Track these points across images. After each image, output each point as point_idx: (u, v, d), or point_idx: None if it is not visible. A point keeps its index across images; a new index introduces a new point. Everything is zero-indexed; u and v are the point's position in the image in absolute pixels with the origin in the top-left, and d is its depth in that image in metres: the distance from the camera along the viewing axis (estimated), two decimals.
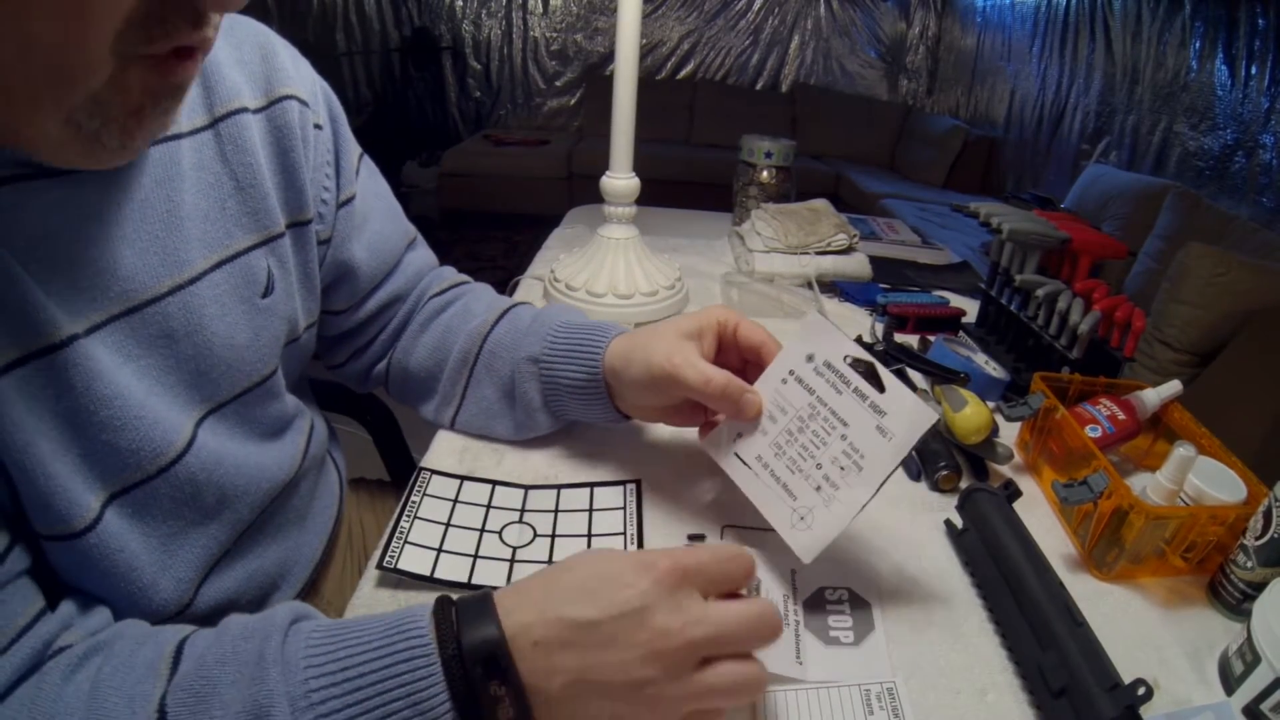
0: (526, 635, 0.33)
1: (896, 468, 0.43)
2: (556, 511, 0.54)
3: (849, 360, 0.46)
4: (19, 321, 0.34)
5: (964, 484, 0.60)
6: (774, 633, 0.36)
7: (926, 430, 0.42)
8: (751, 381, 0.50)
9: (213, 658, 0.33)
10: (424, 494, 0.54)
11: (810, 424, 0.46)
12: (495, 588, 0.37)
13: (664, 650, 0.33)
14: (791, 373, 0.48)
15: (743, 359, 0.53)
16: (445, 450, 0.60)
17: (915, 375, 0.76)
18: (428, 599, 0.36)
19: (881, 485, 0.43)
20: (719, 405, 0.49)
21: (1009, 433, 0.66)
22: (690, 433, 0.56)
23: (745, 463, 0.49)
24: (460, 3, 4.22)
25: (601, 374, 0.54)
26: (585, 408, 0.57)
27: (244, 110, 0.46)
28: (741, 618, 0.35)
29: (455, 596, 0.36)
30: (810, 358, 0.47)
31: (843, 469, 0.44)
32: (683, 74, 4.43)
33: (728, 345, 0.53)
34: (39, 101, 0.30)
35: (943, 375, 0.74)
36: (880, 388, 0.44)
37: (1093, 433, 0.59)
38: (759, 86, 4.46)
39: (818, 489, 0.45)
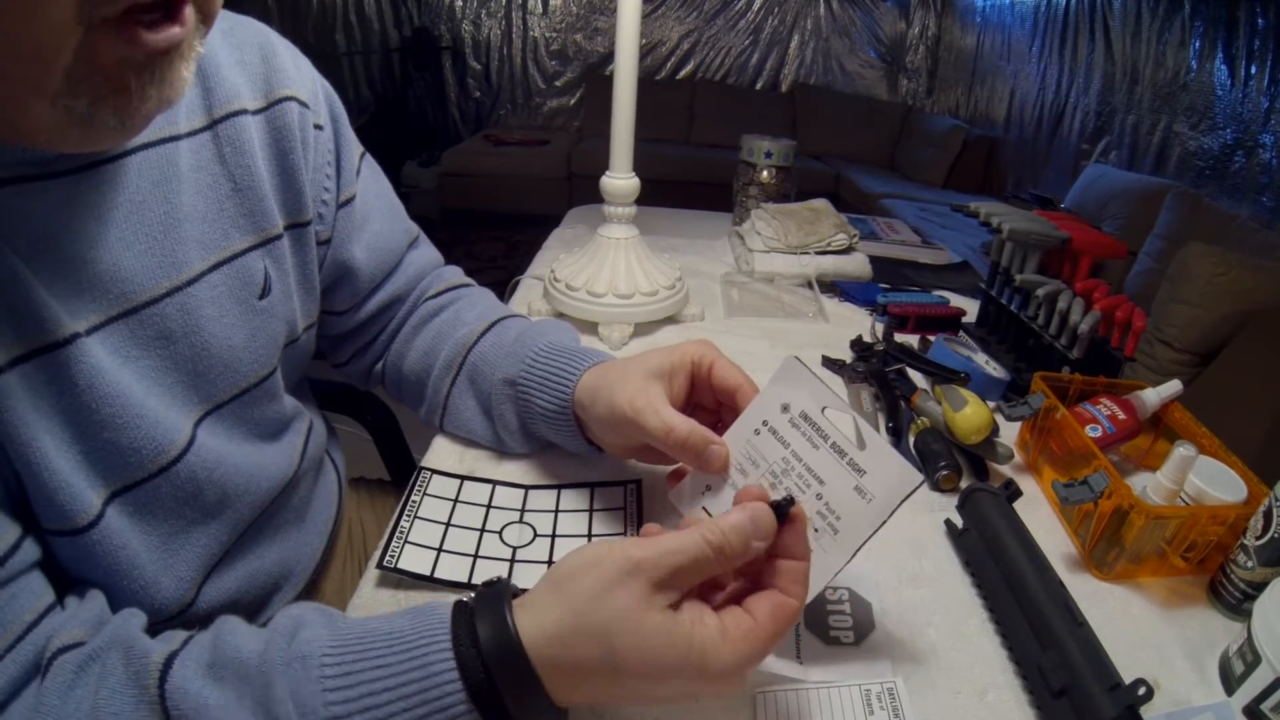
0: (574, 704, 0.35)
1: (875, 532, 0.39)
2: (557, 512, 0.54)
3: (827, 412, 0.42)
4: (24, 318, 0.34)
5: (964, 484, 0.60)
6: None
7: (910, 493, 0.38)
8: (728, 423, 0.46)
9: (216, 713, 0.32)
10: (424, 494, 0.54)
11: (783, 480, 0.42)
12: (515, 626, 0.33)
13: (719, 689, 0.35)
14: (765, 423, 0.44)
15: (717, 400, 0.50)
16: (445, 450, 0.60)
17: (916, 375, 0.76)
18: (428, 599, 0.35)
19: (858, 550, 0.40)
20: (680, 456, 0.46)
21: (1009, 433, 0.66)
22: (666, 467, 0.53)
23: (712, 518, 0.45)
24: (460, 3, 4.22)
25: (571, 405, 0.53)
26: (559, 435, 0.55)
27: (243, 112, 0.46)
28: (770, 638, 0.35)
29: (477, 634, 0.33)
30: (786, 407, 0.43)
31: (816, 531, 0.41)
32: (683, 74, 4.43)
33: (701, 385, 0.50)
34: (17, 86, 0.29)
35: (943, 375, 0.74)
36: (861, 444, 0.40)
37: (1093, 432, 0.59)
38: (759, 86, 4.47)
39: None
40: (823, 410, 0.42)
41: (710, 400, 0.50)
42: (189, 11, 0.32)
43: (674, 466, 0.49)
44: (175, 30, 0.31)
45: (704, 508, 0.46)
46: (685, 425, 0.45)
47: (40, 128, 0.31)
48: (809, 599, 0.38)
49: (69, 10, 0.28)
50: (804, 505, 0.41)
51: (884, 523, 0.39)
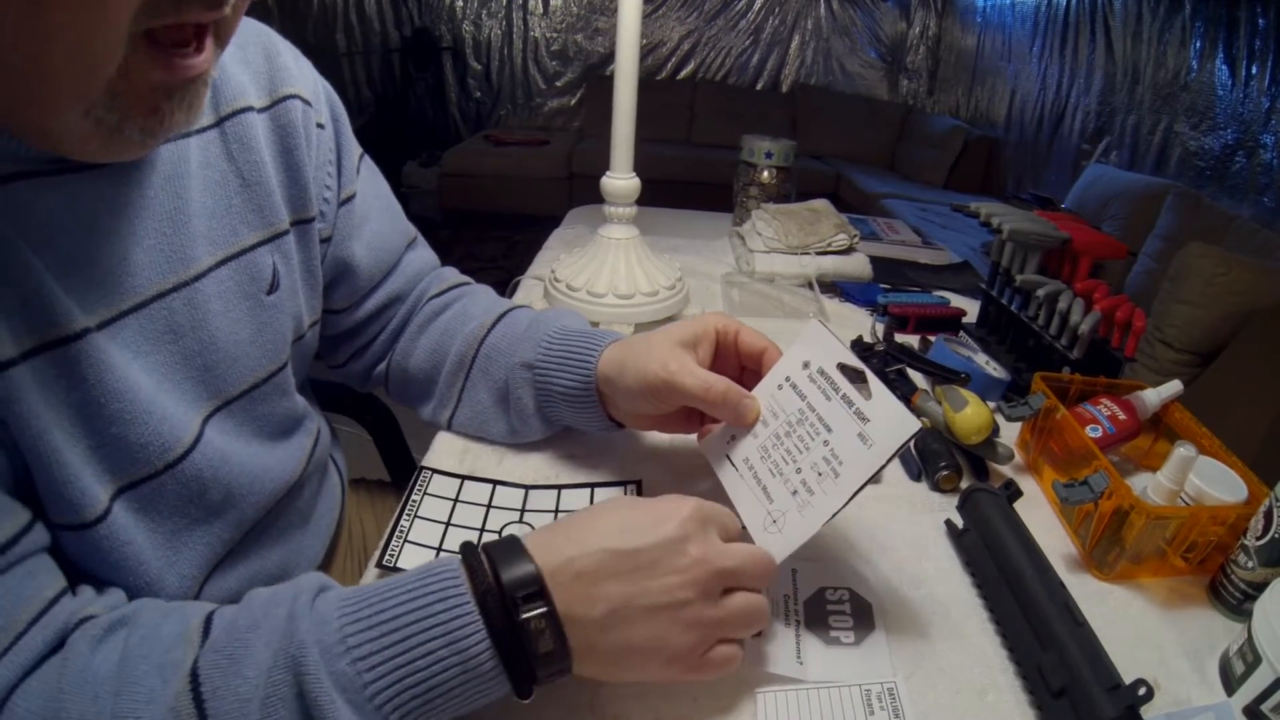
0: (569, 568, 0.36)
1: (872, 477, 0.41)
2: (557, 512, 0.54)
3: (841, 367, 0.45)
4: (36, 311, 0.34)
5: (964, 484, 0.60)
6: (771, 572, 0.41)
7: (907, 440, 0.41)
8: (748, 388, 0.50)
9: (244, 622, 0.34)
10: (424, 493, 0.54)
11: (797, 429, 0.46)
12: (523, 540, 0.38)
13: (701, 575, 0.37)
14: (788, 378, 0.48)
15: (740, 366, 0.53)
16: (446, 450, 0.60)
17: (916, 375, 0.76)
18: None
19: (855, 494, 0.42)
20: (719, 411, 0.49)
21: (1009, 433, 0.66)
22: (690, 434, 0.56)
23: (733, 464, 0.49)
24: (460, 3, 4.22)
25: (594, 382, 0.54)
26: (578, 415, 0.57)
27: (249, 109, 0.47)
28: (752, 555, 0.40)
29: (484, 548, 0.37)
30: (806, 364, 0.47)
31: (820, 475, 0.43)
32: (683, 74, 4.43)
33: (726, 352, 0.52)
34: (60, 92, 0.30)
35: (943, 375, 0.74)
36: (868, 394, 0.43)
37: (1093, 433, 0.59)
38: (759, 86, 4.46)
39: (794, 493, 0.44)
40: (837, 365, 0.45)
41: (732, 369, 0.53)
42: (209, 42, 0.34)
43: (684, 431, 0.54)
44: (200, 59, 0.33)
45: (726, 455, 0.50)
46: (722, 381, 0.48)
47: (67, 134, 0.32)
48: (807, 538, 0.42)
49: (126, 22, 0.29)
50: (812, 452, 0.45)
51: (881, 468, 0.41)
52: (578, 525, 0.38)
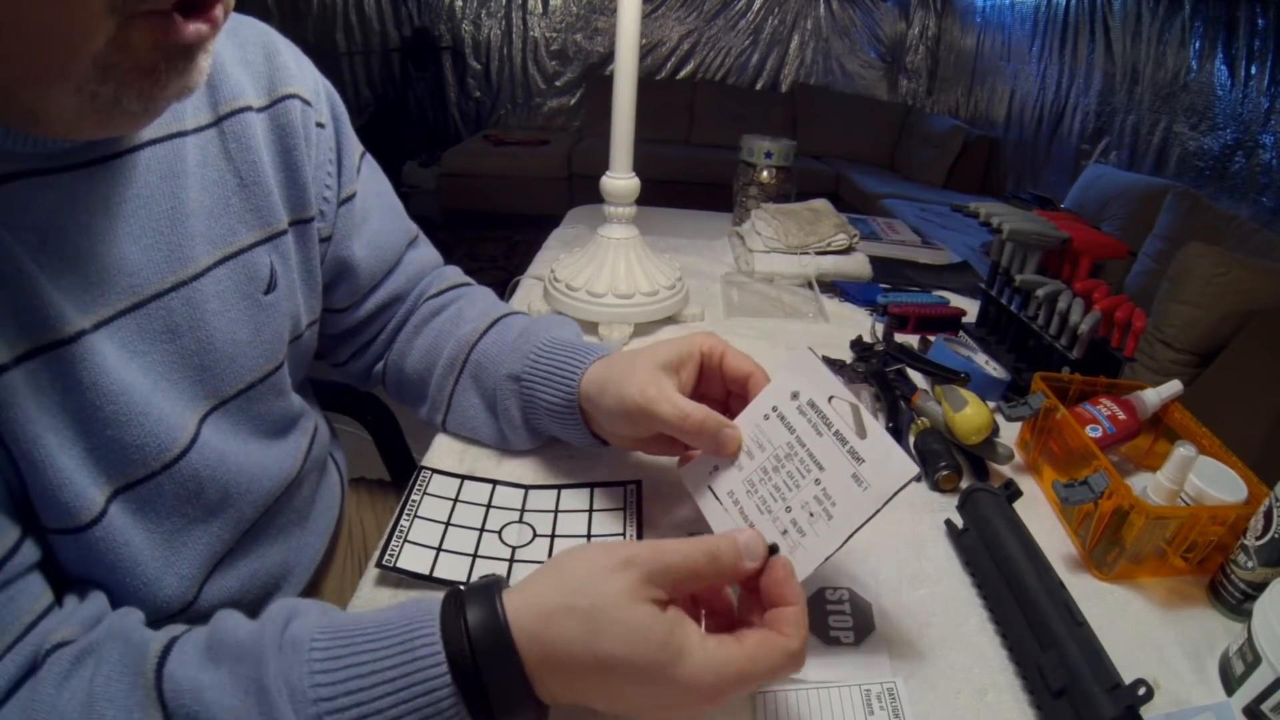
0: (554, 699, 0.34)
1: (867, 521, 0.40)
2: (556, 511, 0.54)
3: (833, 401, 0.43)
4: (29, 315, 0.34)
5: (964, 484, 0.60)
6: (794, 663, 0.35)
7: (904, 484, 0.39)
8: (735, 412, 0.48)
9: (210, 694, 0.32)
10: (424, 493, 0.54)
11: (786, 464, 0.44)
12: (504, 607, 0.34)
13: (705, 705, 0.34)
14: (775, 409, 0.46)
15: (727, 389, 0.51)
16: (446, 450, 0.60)
17: (916, 375, 0.76)
18: (425, 597, 0.35)
19: (849, 538, 0.40)
20: (696, 441, 0.47)
21: (1009, 433, 0.66)
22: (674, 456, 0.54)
23: (717, 496, 0.47)
24: (460, 3, 4.22)
25: (577, 399, 0.53)
26: (563, 429, 0.56)
27: (248, 109, 0.47)
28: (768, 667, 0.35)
29: (466, 617, 0.33)
30: (795, 395, 0.45)
31: (812, 515, 0.41)
32: (683, 74, 4.43)
33: (711, 374, 0.51)
34: (44, 73, 0.30)
35: (943, 375, 0.74)
36: (862, 433, 0.41)
37: (1093, 433, 0.59)
38: (759, 86, 4.46)
39: (784, 533, 0.42)
40: (829, 399, 0.43)
41: (718, 391, 0.51)
42: (219, 10, 0.33)
43: (678, 455, 0.51)
44: (205, 27, 0.32)
45: (709, 486, 0.47)
46: (700, 410, 0.46)
47: (60, 115, 0.32)
48: (801, 578, 0.39)
49: (101, 6, 0.28)
50: (803, 490, 0.42)
51: (877, 511, 0.40)
52: (573, 653, 0.33)
